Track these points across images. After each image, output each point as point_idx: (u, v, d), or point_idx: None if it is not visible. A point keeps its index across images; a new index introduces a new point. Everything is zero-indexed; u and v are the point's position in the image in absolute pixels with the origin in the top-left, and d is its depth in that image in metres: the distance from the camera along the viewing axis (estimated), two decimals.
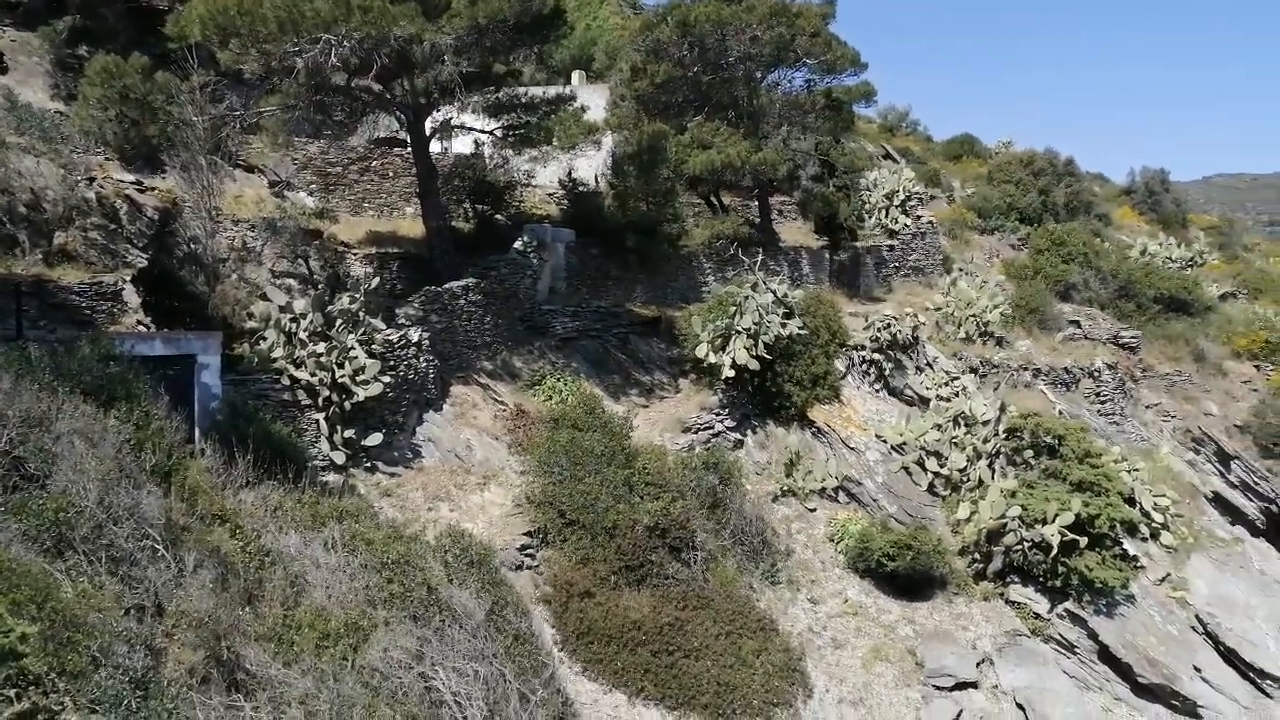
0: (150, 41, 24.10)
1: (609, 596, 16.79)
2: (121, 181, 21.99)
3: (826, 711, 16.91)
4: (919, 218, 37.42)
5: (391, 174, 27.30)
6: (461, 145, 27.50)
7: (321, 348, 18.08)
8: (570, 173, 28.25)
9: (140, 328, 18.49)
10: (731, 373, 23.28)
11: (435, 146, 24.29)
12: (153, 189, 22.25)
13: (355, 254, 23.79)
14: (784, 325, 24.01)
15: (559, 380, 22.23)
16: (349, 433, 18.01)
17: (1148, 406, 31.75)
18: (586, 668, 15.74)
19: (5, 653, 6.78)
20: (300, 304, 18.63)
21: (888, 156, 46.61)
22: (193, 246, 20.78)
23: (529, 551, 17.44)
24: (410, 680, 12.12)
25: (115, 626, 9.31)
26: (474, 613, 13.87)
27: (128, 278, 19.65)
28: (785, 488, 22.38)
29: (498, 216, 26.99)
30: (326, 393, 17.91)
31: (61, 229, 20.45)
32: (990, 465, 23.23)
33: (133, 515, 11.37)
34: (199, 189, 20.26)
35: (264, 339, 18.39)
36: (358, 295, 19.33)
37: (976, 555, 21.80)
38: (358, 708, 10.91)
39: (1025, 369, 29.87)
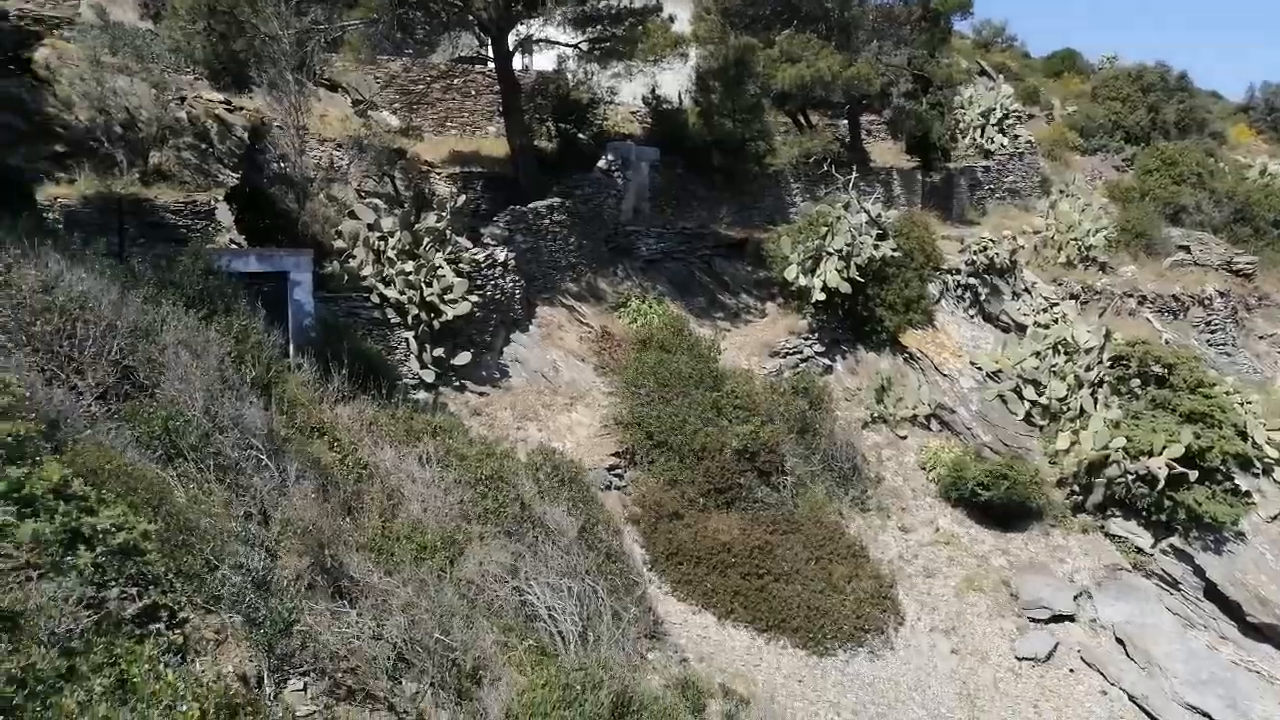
0: None
1: (697, 518, 16.65)
2: (211, 100, 22.08)
3: (918, 639, 16.63)
4: (1016, 137, 35.67)
5: (474, 92, 26.93)
6: (544, 62, 26.92)
7: (409, 266, 18.03)
8: (654, 89, 27.47)
9: (234, 245, 18.69)
10: (822, 296, 22.64)
11: (518, 63, 23.80)
12: (241, 108, 22.31)
13: (439, 173, 23.61)
14: (877, 247, 23.18)
15: (644, 302, 21.91)
16: (438, 351, 18.02)
17: (1262, 337, 30.09)
18: (675, 588, 15.70)
19: (129, 548, 6.84)
20: (387, 222, 18.55)
21: (983, 73, 44.37)
22: (281, 165, 20.82)
23: (617, 472, 17.37)
24: (505, 594, 12.18)
25: (233, 529, 9.46)
26: (566, 530, 13.86)
27: (220, 196, 19.84)
28: (876, 414, 21.85)
29: (581, 135, 26.47)
30: (415, 311, 17.90)
31: (156, 148, 20.69)
32: (1093, 395, 22.28)
33: (236, 425, 11.50)
34: (286, 106, 20.16)
35: (353, 257, 18.42)
36: (444, 214, 19.17)
37: (1075, 487, 21.06)
38: (457, 618, 10.98)
39: (1130, 296, 28.48)
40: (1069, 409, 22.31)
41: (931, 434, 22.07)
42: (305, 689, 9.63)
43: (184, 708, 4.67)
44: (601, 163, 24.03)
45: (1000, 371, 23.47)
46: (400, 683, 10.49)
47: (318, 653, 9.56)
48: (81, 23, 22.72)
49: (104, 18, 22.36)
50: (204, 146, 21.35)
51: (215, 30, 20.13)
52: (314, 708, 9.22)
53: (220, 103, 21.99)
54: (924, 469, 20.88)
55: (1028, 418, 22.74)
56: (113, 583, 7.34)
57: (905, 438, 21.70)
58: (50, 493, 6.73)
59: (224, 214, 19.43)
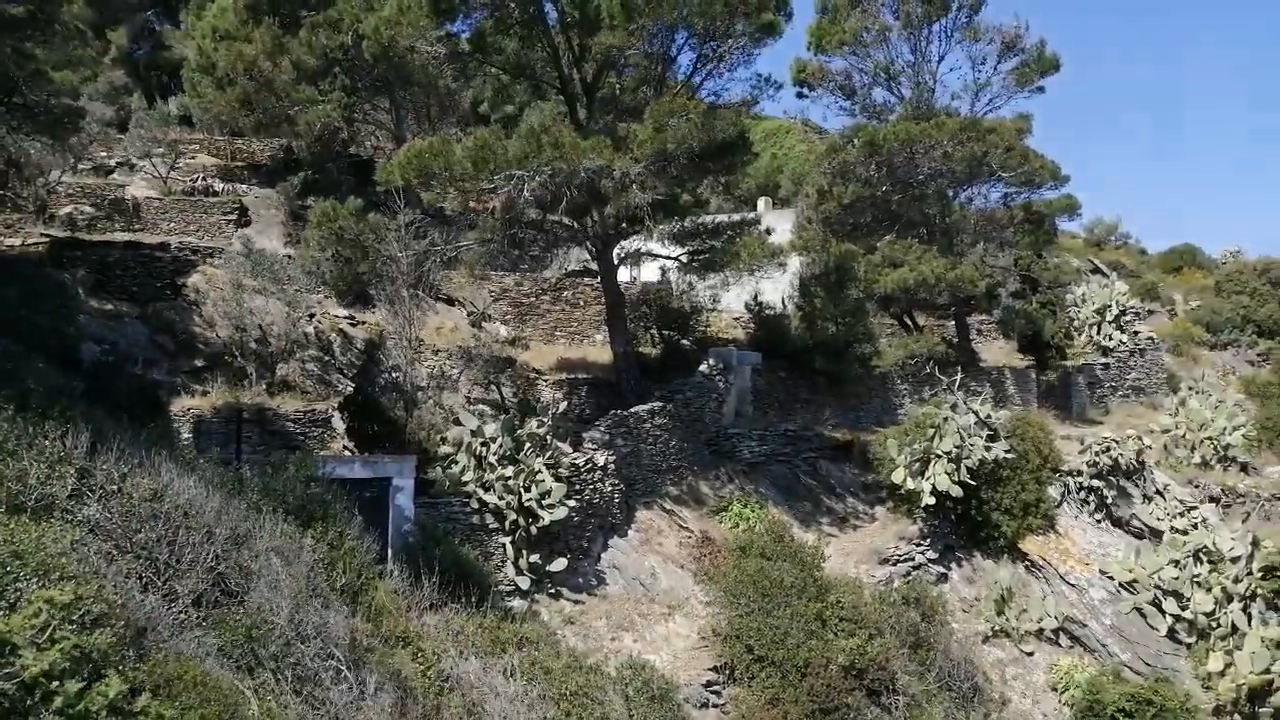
0: (367, 189, 26.40)
1: None
2: (337, 316, 23.74)
3: None
4: (1136, 333, 34.63)
5: (581, 303, 28.11)
6: (648, 273, 28.07)
7: (510, 471, 18.27)
8: (756, 296, 28.11)
9: (345, 451, 19.46)
10: (932, 500, 21.72)
11: (623, 274, 24.87)
12: (363, 322, 23.88)
13: (545, 380, 24.35)
14: (988, 448, 22.31)
15: (746, 506, 21.46)
16: (534, 557, 17.89)
17: None
18: None
19: None
20: (491, 428, 19.01)
21: (1096, 271, 43.88)
22: (394, 375, 21.90)
23: (715, 688, 16.42)
24: None
25: None
26: None
27: (335, 405, 20.89)
28: (997, 627, 20.28)
29: (683, 341, 27.07)
30: (513, 516, 17.96)
31: (283, 361, 22.14)
32: (1245, 609, 20.19)
33: (320, 634, 11.48)
34: (401, 320, 21.47)
35: (455, 462, 18.82)
36: (545, 419, 19.57)
37: (1237, 716, 18.72)
38: None
39: (1278, 498, 26.27)
40: (1218, 625, 20.21)
41: (1061, 650, 20.24)
42: None
43: None
44: (703, 367, 24.36)
45: (1135, 582, 21.66)
46: None
47: None
48: (230, 252, 25.14)
49: (249, 246, 24.66)
50: (326, 358, 22.74)
51: (342, 255, 21.89)
52: None
53: (345, 318, 23.60)
54: (1055, 690, 19.03)
55: (1171, 634, 20.69)
56: None
57: (1031, 654, 19.95)
58: (105, 709, 6.73)
59: (338, 422, 20.37)
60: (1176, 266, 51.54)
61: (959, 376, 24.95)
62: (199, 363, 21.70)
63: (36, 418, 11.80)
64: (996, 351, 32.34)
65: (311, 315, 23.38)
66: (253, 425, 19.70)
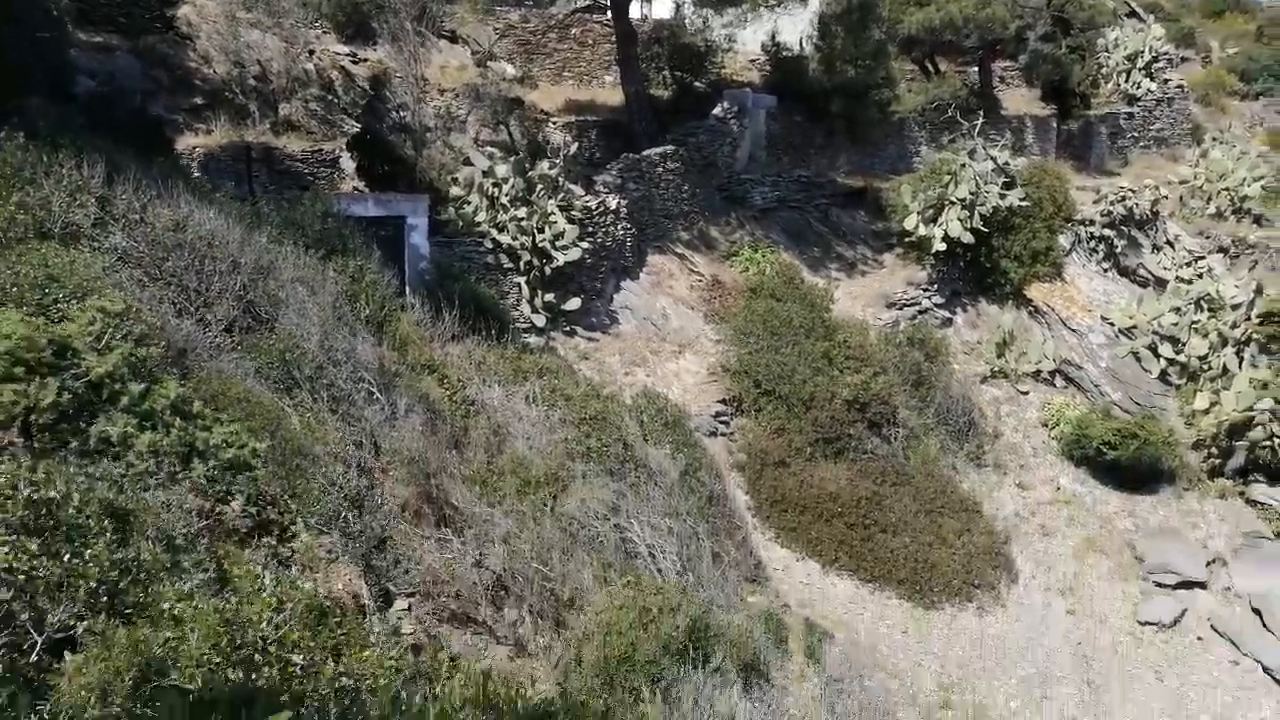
0: None
1: (803, 467, 16.46)
2: (337, 53, 22.77)
3: (1032, 597, 16.06)
4: (1166, 82, 33.26)
5: (590, 41, 26.85)
6: (661, 9, 26.62)
7: (522, 212, 18.25)
8: (773, 35, 26.79)
9: (355, 191, 19.35)
10: (942, 246, 21.81)
11: (635, 11, 23.59)
12: (365, 60, 22.93)
13: (554, 122, 23.74)
14: (1003, 196, 22.12)
15: (757, 251, 21.59)
16: (549, 297, 18.25)
17: None
18: (779, 534, 15.60)
19: (238, 464, 7.22)
20: (502, 169, 18.79)
21: (1132, 14, 41.45)
22: (401, 114, 21.34)
23: (723, 419, 17.29)
24: (606, 530, 12.34)
25: (344, 456, 9.88)
26: (668, 471, 13.91)
27: (344, 145, 20.52)
28: (996, 368, 21.01)
29: (696, 83, 26.11)
30: (527, 257, 18.14)
31: (285, 100, 21.50)
32: (1238, 353, 20.81)
33: (350, 359, 11.95)
34: (406, 57, 20.63)
35: (468, 203, 18.76)
36: (557, 161, 19.29)
37: (1214, 450, 19.80)
38: (556, 550, 11.22)
39: None
40: (1210, 368, 20.93)
41: (1056, 390, 21.09)
42: (410, 609, 10.06)
43: (266, 595, 4.90)
44: (717, 110, 23.67)
45: (1134, 328, 22.19)
46: (501, 609, 10.83)
47: (422, 577, 9.96)
48: None
49: None
50: (329, 97, 22.07)
51: None
52: (416, 627, 9.63)
53: (345, 55, 22.66)
54: (1046, 426, 20.02)
55: (1163, 376, 21.46)
56: (230, 497, 7.79)
57: (1027, 393, 20.82)
58: (169, 409, 7.14)
59: (347, 162, 20.11)
60: (1218, 10, 48.64)
61: (979, 122, 24.28)
62: (199, 100, 21.06)
63: (49, 147, 11.65)
64: (1018, 99, 31.21)
65: (311, 52, 22.43)
66: (261, 164, 19.47)
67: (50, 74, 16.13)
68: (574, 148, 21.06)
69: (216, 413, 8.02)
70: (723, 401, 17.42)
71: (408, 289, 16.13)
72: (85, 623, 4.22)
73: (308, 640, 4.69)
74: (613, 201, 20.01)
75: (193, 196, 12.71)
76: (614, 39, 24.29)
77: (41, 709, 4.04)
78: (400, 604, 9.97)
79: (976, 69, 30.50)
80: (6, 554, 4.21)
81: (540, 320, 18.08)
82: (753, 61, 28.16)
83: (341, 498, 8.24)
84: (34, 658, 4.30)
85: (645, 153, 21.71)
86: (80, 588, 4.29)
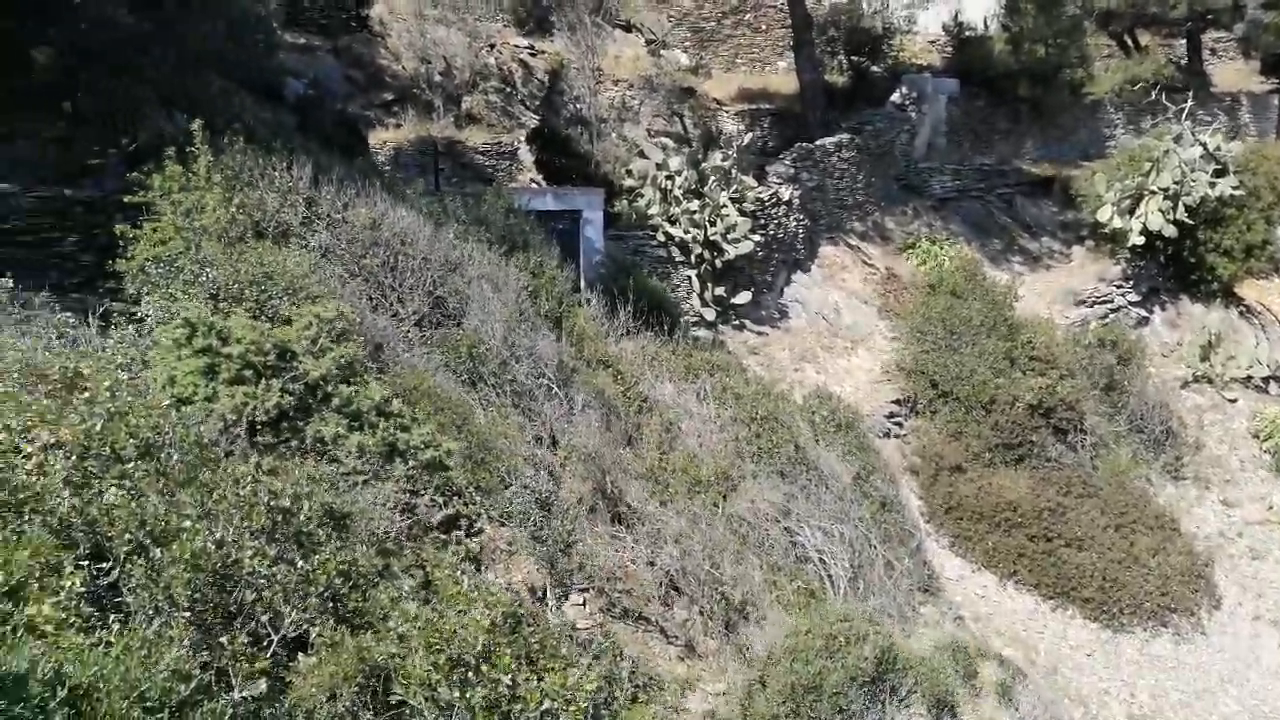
0: None
1: (981, 473, 15.78)
2: (516, 46, 23.38)
3: (1237, 626, 14.84)
4: None
5: (764, 26, 26.48)
6: None
7: (695, 205, 18.24)
8: (956, 15, 25.62)
9: (532, 184, 19.86)
10: (1140, 240, 20.33)
11: None
12: (542, 53, 23.44)
13: (727, 111, 23.60)
14: (1213, 185, 20.36)
15: (935, 244, 20.78)
16: (719, 290, 18.19)
17: None
18: (954, 543, 15.04)
19: (436, 464, 7.55)
20: (675, 161, 18.82)
21: None
22: (577, 106, 21.72)
23: (897, 420, 16.80)
24: (776, 533, 12.25)
25: (523, 451, 10.21)
26: (840, 475, 13.66)
27: (522, 138, 21.10)
28: (1199, 373, 19.45)
29: (873, 68, 25.31)
30: (699, 250, 18.13)
31: (467, 94, 22.29)
32: None
33: (530, 355, 12.31)
34: (583, 49, 20.95)
35: (641, 195, 18.91)
36: (730, 152, 19.18)
37: None
38: (727, 552, 11.22)
39: None
40: None
41: (1270, 398, 19.33)
42: (584, 604, 10.30)
43: (476, 613, 5.11)
44: (895, 96, 22.89)
45: None
46: (671, 608, 10.94)
47: (595, 573, 10.18)
48: None
49: None
50: (508, 90, 22.71)
51: None
52: (591, 623, 9.85)
53: (524, 48, 23.23)
54: (1257, 438, 18.38)
55: None
56: (422, 492, 8.17)
57: (1235, 401, 19.17)
58: (373, 410, 7.55)
59: (525, 154, 20.67)
60: None
61: (1188, 104, 22.43)
62: (388, 96, 22.15)
63: (263, 151, 12.48)
64: (1232, 74, 28.59)
65: (492, 45, 23.14)
66: (444, 157, 20.28)
67: (262, 78, 17.30)
68: (747, 138, 20.89)
69: (414, 412, 8.41)
70: (897, 402, 16.92)
71: (583, 283, 16.44)
72: (316, 628, 4.52)
73: (504, 650, 4.85)
74: (785, 192, 19.71)
75: (387, 195, 13.36)
76: (788, 24, 23.85)
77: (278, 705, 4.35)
78: (575, 599, 10.23)
79: (1184, 42, 28.15)
80: (251, 558, 4.55)
81: (710, 314, 18.05)
82: (932, 43, 27.02)
83: (531, 499, 8.48)
84: (269, 654, 4.64)
85: (819, 141, 21.24)
86: (311, 594, 4.60)
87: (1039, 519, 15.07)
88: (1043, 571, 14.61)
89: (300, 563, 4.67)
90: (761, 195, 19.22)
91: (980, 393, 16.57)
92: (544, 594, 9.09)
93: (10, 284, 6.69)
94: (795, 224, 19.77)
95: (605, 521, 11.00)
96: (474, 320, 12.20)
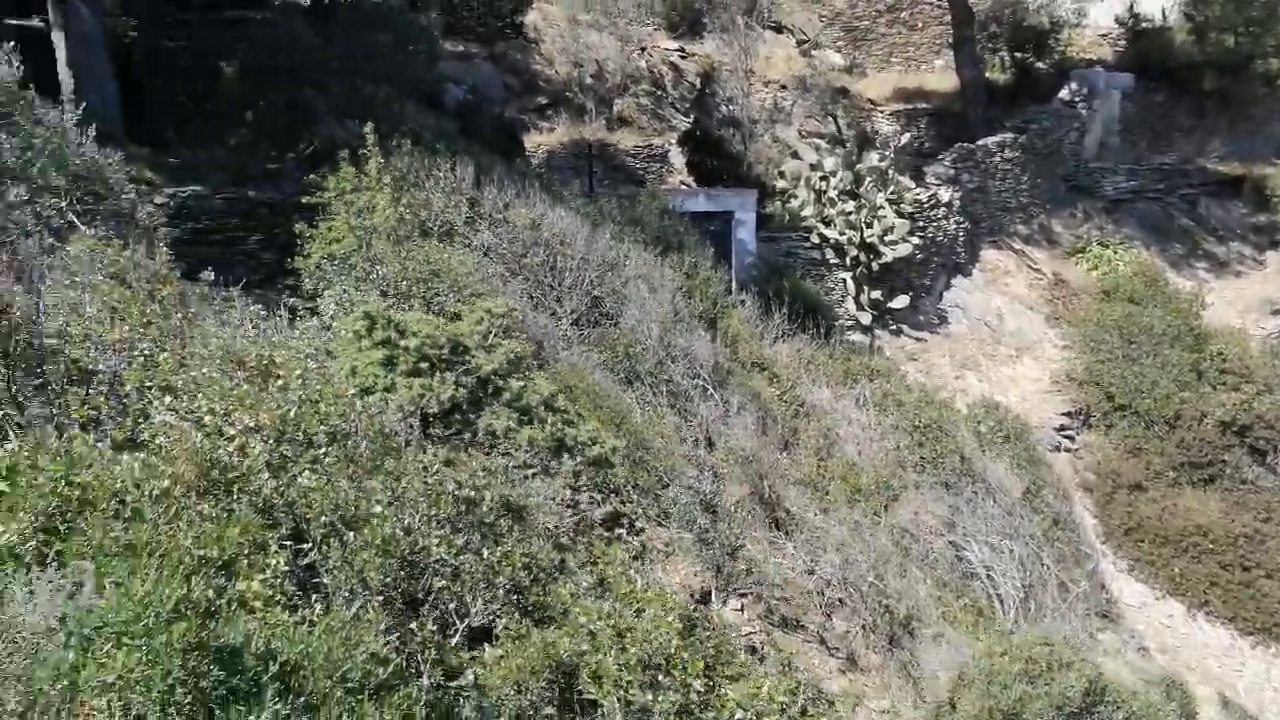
0: None
1: (1165, 494, 14.64)
2: (667, 49, 23.39)
3: None
4: None
5: (920, 24, 25.60)
6: None
7: (850, 206, 17.74)
8: (1131, 6, 24.08)
9: (682, 186, 19.77)
10: None
11: None
12: (693, 55, 23.37)
13: (882, 111, 22.91)
14: None
15: (1108, 248, 19.52)
16: (875, 294, 17.61)
17: None
18: (1134, 566, 13.99)
19: (600, 460, 7.47)
20: (830, 162, 18.38)
21: None
22: (729, 108, 21.51)
23: (1068, 433, 15.80)
24: (940, 547, 11.68)
25: (684, 452, 10.07)
26: (1009, 489, 12.92)
27: (673, 140, 21.06)
28: None
29: (1039, 64, 24.03)
30: (854, 252, 17.62)
31: (619, 97, 22.43)
32: None
33: (686, 356, 12.17)
34: (736, 50, 20.74)
35: (794, 197, 18.55)
36: (886, 153, 18.59)
37: None
38: (890, 564, 10.75)
39: None
40: None
41: None
42: (743, 609, 10.04)
43: (652, 612, 4.95)
44: (1063, 93, 21.69)
45: None
46: (830, 618, 10.55)
47: (755, 578, 9.91)
48: None
49: None
50: (659, 93, 22.73)
51: None
52: (752, 629, 9.59)
53: (674, 50, 23.22)
54: None
55: None
56: (584, 488, 8.12)
57: None
58: (541, 404, 7.53)
59: (675, 156, 20.61)
60: None
61: None
62: (542, 100, 22.53)
63: (428, 154, 12.83)
64: None
65: (643, 49, 23.22)
66: (596, 160, 20.44)
67: (425, 85, 17.88)
68: (904, 138, 20.18)
69: (577, 407, 8.37)
70: (1068, 414, 15.92)
71: (735, 284, 16.21)
72: (503, 620, 4.46)
73: (693, 654, 4.68)
74: (945, 194, 18.94)
75: (546, 196, 13.51)
76: (946, 21, 22.98)
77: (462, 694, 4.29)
78: (734, 603, 9.99)
79: None
80: (438, 546, 4.53)
81: (865, 318, 17.50)
82: (1103, 37, 25.47)
83: (696, 501, 8.30)
84: (454, 642, 4.60)
85: (980, 141, 20.32)
86: (498, 584, 4.54)
87: (1233, 545, 13.83)
88: (1240, 603, 13.38)
89: (485, 553, 4.62)
90: (919, 197, 18.53)
91: (1163, 407, 15.40)
92: (706, 597, 8.89)
93: (211, 277, 6.94)
94: (955, 226, 18.96)
95: (764, 526, 10.72)
96: (630, 320, 12.15)
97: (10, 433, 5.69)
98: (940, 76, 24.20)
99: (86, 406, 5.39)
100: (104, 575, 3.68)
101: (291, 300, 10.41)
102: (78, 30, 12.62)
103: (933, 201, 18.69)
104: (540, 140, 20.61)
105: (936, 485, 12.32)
